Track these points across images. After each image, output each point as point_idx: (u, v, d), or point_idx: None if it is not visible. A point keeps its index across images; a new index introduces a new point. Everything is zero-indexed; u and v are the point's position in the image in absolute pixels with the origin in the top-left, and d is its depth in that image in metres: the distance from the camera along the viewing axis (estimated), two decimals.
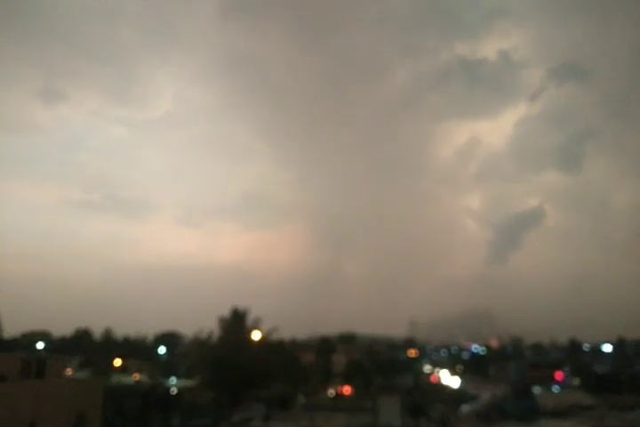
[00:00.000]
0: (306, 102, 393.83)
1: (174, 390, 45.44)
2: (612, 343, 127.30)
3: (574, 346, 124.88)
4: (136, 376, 73.12)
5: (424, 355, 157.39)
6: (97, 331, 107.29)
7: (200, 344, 45.59)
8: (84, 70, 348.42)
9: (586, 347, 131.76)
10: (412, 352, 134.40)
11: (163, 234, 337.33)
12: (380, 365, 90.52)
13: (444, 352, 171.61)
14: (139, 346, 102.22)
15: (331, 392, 70.22)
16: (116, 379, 62.86)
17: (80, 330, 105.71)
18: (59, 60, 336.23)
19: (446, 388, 76.73)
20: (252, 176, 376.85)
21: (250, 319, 40.36)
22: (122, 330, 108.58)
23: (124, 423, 30.48)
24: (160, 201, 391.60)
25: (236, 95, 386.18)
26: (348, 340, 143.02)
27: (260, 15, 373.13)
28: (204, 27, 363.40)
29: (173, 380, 70.35)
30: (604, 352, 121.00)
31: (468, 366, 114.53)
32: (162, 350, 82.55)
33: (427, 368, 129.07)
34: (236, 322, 39.77)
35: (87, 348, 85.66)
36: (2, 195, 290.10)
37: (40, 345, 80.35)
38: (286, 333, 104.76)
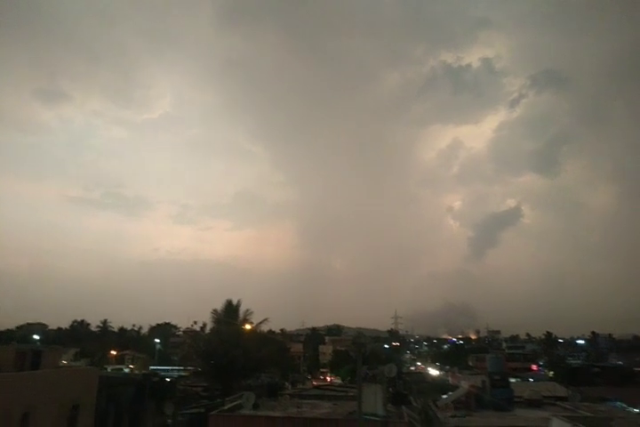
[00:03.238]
0: (298, 105, 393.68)
1: (168, 380, 45.05)
2: (585, 338, 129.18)
3: (550, 340, 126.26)
4: (131, 366, 72.56)
5: (406, 346, 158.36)
6: (93, 323, 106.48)
7: (193, 335, 45.29)
8: (85, 72, 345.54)
9: (560, 340, 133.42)
10: (395, 344, 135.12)
11: (159, 230, 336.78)
12: (365, 355, 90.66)
13: (425, 344, 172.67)
14: (134, 337, 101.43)
15: (318, 381, 70.32)
16: (111, 369, 62.34)
17: (76, 322, 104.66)
18: (61, 61, 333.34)
19: (427, 377, 77.15)
20: (246, 176, 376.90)
21: (242, 311, 40.09)
22: (118, 322, 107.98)
23: (118, 412, 30.10)
24: (157, 199, 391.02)
25: (233, 98, 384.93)
26: (334, 332, 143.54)
27: (256, 21, 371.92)
28: (202, 31, 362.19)
29: (167, 370, 69.96)
30: (577, 346, 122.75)
31: (448, 357, 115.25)
32: (156, 340, 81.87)
33: (409, 359, 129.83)
34: (229, 314, 39.44)
35: (83, 339, 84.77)
36: (3, 192, 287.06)
37: (36, 336, 79.30)
38: (276, 325, 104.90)
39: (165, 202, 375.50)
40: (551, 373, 77.57)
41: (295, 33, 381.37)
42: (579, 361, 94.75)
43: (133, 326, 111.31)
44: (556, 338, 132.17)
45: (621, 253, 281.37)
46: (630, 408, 40.15)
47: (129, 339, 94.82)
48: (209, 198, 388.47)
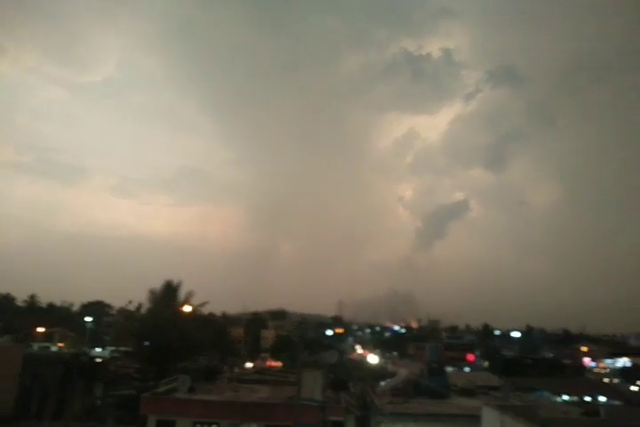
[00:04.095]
0: (253, 81, 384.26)
1: (99, 360, 43.97)
2: (520, 330, 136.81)
3: (486, 331, 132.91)
4: (60, 345, 70.19)
5: (349, 333, 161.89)
6: (20, 297, 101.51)
7: (128, 315, 44.22)
8: (23, 24, 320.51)
9: (497, 332, 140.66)
10: (339, 330, 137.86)
11: (94, 202, 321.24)
12: (308, 341, 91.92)
13: (368, 331, 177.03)
14: (64, 314, 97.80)
15: (258, 366, 70.74)
16: (39, 347, 60.05)
17: (0, 296, 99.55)
18: None
19: (367, 364, 79.34)
20: (193, 150, 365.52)
21: (182, 293, 39.43)
22: (46, 298, 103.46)
23: (43, 391, 29.11)
24: (94, 168, 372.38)
25: (184, 67, 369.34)
26: (278, 317, 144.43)
27: None
28: None
29: (98, 350, 68.21)
30: (512, 338, 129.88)
31: (389, 344, 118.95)
32: (88, 319, 79.32)
33: (351, 345, 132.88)
34: (168, 295, 38.70)
35: (8, 314, 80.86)
36: None
37: None
38: (218, 307, 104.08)
39: (104, 172, 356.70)
40: (486, 363, 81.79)
41: (256, 5, 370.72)
42: (512, 353, 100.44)
43: (64, 302, 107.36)
44: (494, 330, 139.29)
45: (558, 250, 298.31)
46: (556, 397, 43.27)
47: (58, 316, 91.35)
48: (151, 171, 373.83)
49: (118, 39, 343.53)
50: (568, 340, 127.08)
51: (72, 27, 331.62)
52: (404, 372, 31.48)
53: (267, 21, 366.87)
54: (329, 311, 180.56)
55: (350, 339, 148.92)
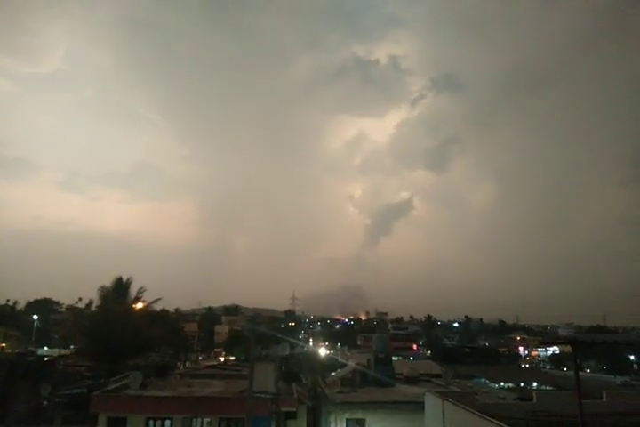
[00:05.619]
0: (208, 77, 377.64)
1: (46, 359, 42.01)
2: (460, 321, 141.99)
3: (430, 322, 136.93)
4: (2, 345, 66.49)
5: (301, 326, 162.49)
6: None
7: (77, 313, 42.47)
8: None
9: (439, 323, 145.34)
10: (291, 324, 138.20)
11: (41, 197, 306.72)
12: (260, 335, 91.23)
13: (319, 324, 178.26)
14: (7, 313, 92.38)
15: (211, 360, 69.67)
16: None
17: None
18: None
19: (319, 356, 79.94)
20: (145, 146, 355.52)
21: (133, 289, 38.22)
22: None
23: None
24: (41, 162, 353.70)
25: (136, 61, 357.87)
26: (232, 312, 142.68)
27: None
28: None
29: (46, 348, 65.18)
30: (453, 328, 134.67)
31: (339, 336, 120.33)
32: (34, 317, 75.46)
33: (303, 338, 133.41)
34: (118, 291, 37.39)
35: None
36: None
37: None
38: (172, 304, 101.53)
39: (51, 166, 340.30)
40: (429, 352, 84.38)
41: (209, 1, 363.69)
42: (453, 342, 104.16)
43: (8, 300, 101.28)
44: (436, 321, 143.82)
45: (495, 246, 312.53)
46: (492, 384, 45.26)
47: (2, 314, 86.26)
48: (102, 166, 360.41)
49: (66, 30, 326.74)
50: (503, 330, 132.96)
51: (17, 15, 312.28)
52: (352, 362, 32.00)
53: (222, 16, 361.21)
54: (282, 306, 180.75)
55: (302, 332, 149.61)
